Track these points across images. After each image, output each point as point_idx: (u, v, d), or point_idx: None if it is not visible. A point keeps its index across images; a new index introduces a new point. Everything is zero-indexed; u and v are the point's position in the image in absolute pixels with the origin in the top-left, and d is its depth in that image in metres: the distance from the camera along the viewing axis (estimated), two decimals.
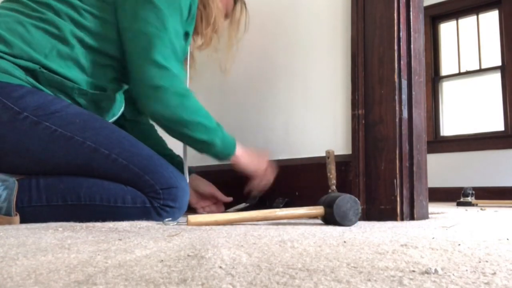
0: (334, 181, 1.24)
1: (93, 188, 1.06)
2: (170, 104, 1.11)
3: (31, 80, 1.04)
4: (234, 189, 1.61)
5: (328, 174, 1.25)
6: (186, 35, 1.23)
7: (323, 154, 1.38)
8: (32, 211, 1.03)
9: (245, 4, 1.44)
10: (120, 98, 1.29)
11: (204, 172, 1.67)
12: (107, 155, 1.06)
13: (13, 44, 1.03)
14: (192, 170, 1.43)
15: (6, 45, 1.03)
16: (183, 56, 1.20)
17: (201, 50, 1.42)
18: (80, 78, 1.11)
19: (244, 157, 1.28)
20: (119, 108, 1.29)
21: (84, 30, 1.10)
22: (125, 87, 1.28)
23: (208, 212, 1.38)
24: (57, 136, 1.03)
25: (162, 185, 1.07)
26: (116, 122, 1.29)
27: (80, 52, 1.10)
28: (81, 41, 1.10)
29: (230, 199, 1.43)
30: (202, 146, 1.19)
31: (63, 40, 1.08)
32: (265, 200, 1.45)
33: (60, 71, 1.07)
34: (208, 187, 1.42)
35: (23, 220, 1.01)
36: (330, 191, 1.24)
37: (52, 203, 1.04)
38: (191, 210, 1.35)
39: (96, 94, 1.14)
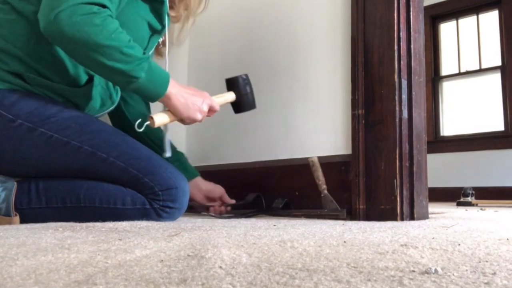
0: (324, 186, 1.28)
1: (92, 190, 1.05)
2: (73, 19, 0.91)
3: (21, 83, 1.02)
4: (235, 189, 1.61)
5: (317, 181, 1.28)
6: (161, 2, 1.15)
7: (323, 154, 1.38)
8: (31, 213, 1.02)
9: None
10: (110, 84, 1.19)
11: (206, 172, 1.67)
12: (105, 158, 1.05)
13: None
14: (196, 173, 1.41)
15: None
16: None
17: (172, 22, 1.32)
18: (65, 71, 1.06)
19: (178, 99, 1.07)
20: (114, 94, 1.21)
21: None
22: None
23: (215, 212, 1.38)
24: (54, 142, 1.02)
25: (162, 187, 1.07)
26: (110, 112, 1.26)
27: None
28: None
29: (233, 201, 1.42)
30: (121, 78, 0.98)
31: (35, 28, 0.98)
32: (261, 198, 1.46)
33: (45, 73, 1.04)
34: (218, 191, 1.40)
35: (22, 222, 1.01)
36: (322, 195, 1.27)
37: (52, 205, 1.04)
38: (190, 208, 1.34)
39: (86, 88, 1.11)
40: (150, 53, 1.24)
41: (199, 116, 1.12)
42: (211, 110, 1.17)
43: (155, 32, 1.19)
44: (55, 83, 1.05)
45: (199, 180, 1.39)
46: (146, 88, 1.01)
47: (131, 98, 1.34)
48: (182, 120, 1.12)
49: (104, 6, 0.96)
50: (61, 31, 0.91)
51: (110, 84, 1.18)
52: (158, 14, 1.17)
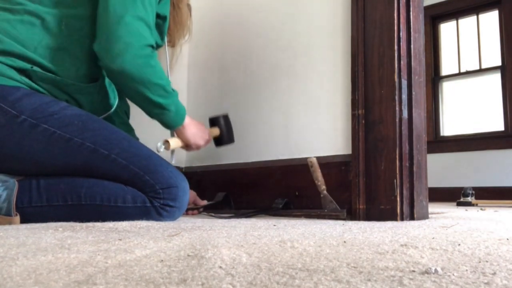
0: (323, 187, 1.29)
1: (93, 188, 1.05)
2: (136, 62, 1.08)
3: (26, 80, 1.03)
4: (235, 189, 1.61)
5: (316, 182, 1.28)
6: (163, 18, 1.23)
7: (323, 154, 1.39)
8: (32, 211, 1.03)
9: (190, 9, 1.45)
10: (111, 88, 1.27)
11: (206, 172, 1.67)
12: (107, 155, 1.06)
13: (1, 40, 1.02)
14: None
15: None
16: (154, 26, 1.17)
17: (168, 45, 1.43)
18: (72, 69, 1.09)
19: (190, 129, 1.27)
20: (114, 99, 1.27)
21: (70, 14, 1.08)
22: None
23: (187, 213, 1.47)
24: (56, 138, 1.03)
25: (162, 185, 1.07)
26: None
27: (67, 40, 1.08)
28: (69, 27, 1.08)
29: (205, 202, 1.51)
30: (157, 110, 1.16)
31: (49, 29, 1.06)
32: (230, 198, 1.58)
33: (51, 68, 1.05)
34: (191, 196, 1.47)
35: (23, 220, 1.01)
36: (322, 195, 1.28)
37: (53, 203, 1.04)
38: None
39: (91, 86, 1.13)
40: None
41: (202, 144, 1.33)
42: (207, 141, 1.37)
43: (157, 46, 1.25)
44: (59, 77, 1.07)
45: None
46: (171, 118, 1.19)
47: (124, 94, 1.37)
48: (188, 146, 1.30)
49: (153, 47, 1.13)
50: (124, 70, 1.07)
51: (110, 90, 1.24)
52: (160, 29, 1.25)
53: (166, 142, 1.24)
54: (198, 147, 1.32)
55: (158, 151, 1.20)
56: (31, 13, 1.05)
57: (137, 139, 1.43)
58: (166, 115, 1.18)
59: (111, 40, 1.06)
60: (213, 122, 1.47)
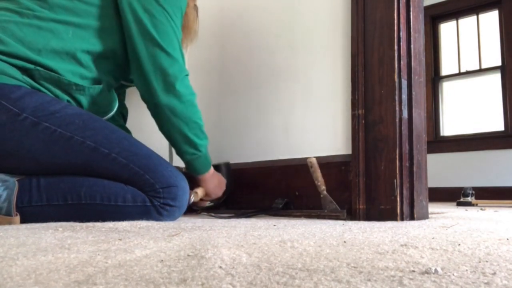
0: (323, 187, 1.29)
1: (93, 187, 1.06)
2: (182, 97, 1.15)
3: (28, 79, 1.04)
4: (235, 189, 1.61)
5: (316, 182, 1.28)
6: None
7: (323, 154, 1.39)
8: (32, 210, 1.03)
9: (197, 10, 1.45)
10: (112, 92, 1.28)
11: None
12: (107, 154, 1.06)
13: (7, 42, 1.03)
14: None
15: (1, 43, 1.02)
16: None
17: None
18: (75, 72, 1.10)
19: (213, 180, 1.33)
20: (114, 103, 1.27)
21: (79, 22, 1.10)
22: (118, 82, 1.27)
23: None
24: (57, 136, 1.03)
25: (162, 184, 1.07)
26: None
27: (74, 46, 1.09)
28: (76, 34, 1.09)
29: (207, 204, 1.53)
30: (189, 149, 1.21)
31: (55, 34, 1.07)
32: (227, 200, 1.58)
33: (54, 67, 1.06)
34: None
35: (23, 220, 1.01)
36: (322, 196, 1.28)
37: (53, 203, 1.04)
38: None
39: (93, 88, 1.14)
40: None
41: (220, 194, 1.39)
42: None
43: None
44: (62, 77, 1.07)
45: None
46: (200, 162, 1.24)
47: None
48: (207, 195, 1.34)
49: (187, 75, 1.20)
50: (174, 108, 1.16)
51: (111, 93, 1.24)
52: None
53: (195, 193, 1.29)
54: (216, 198, 1.37)
55: (190, 202, 1.24)
56: (40, 18, 1.07)
57: None
58: (197, 157, 1.22)
59: (155, 72, 1.13)
60: (215, 169, 1.44)
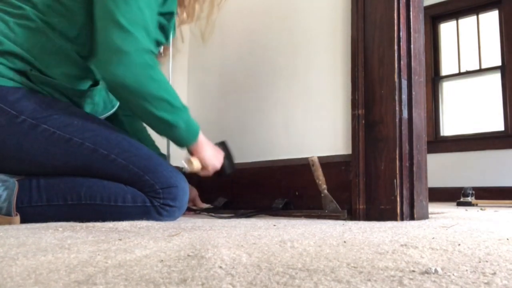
0: (324, 186, 1.29)
1: (93, 188, 1.06)
2: (133, 72, 1.01)
3: (25, 81, 1.03)
4: (235, 189, 1.61)
5: (317, 181, 1.28)
6: (171, 15, 1.19)
7: (323, 154, 1.39)
8: (32, 211, 1.03)
9: None
10: None
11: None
12: (106, 155, 1.06)
13: (1, 41, 1.01)
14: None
15: None
16: (156, 33, 1.12)
17: (187, 23, 1.37)
18: (71, 75, 1.08)
19: (206, 148, 1.20)
20: (115, 101, 1.25)
21: (65, 22, 1.06)
22: None
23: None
24: (56, 138, 1.03)
25: (162, 185, 1.07)
26: (109, 119, 1.28)
27: (64, 46, 1.06)
28: (62, 34, 1.06)
29: (204, 205, 1.50)
30: (164, 127, 1.10)
31: (44, 34, 1.04)
32: (229, 203, 1.55)
33: (50, 73, 1.05)
34: (192, 193, 1.44)
35: (23, 220, 1.01)
36: (322, 195, 1.28)
37: (53, 203, 1.04)
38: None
39: (90, 91, 1.13)
40: None
41: (219, 166, 1.26)
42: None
43: (158, 44, 1.22)
44: (59, 81, 1.06)
45: None
46: (182, 136, 1.13)
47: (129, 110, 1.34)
48: (204, 169, 1.23)
49: (153, 53, 1.07)
50: (122, 83, 1.01)
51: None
52: (163, 29, 1.20)
53: (190, 162, 1.19)
54: (214, 169, 1.26)
55: (183, 171, 1.16)
56: (27, 17, 1.04)
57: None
58: (174, 132, 1.11)
59: (105, 47, 1.01)
60: None
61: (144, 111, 1.06)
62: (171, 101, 1.07)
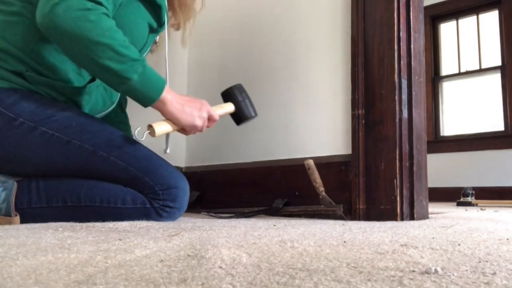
0: (322, 188, 1.28)
1: (93, 189, 1.05)
2: (70, 16, 0.91)
3: (23, 82, 1.02)
4: (235, 189, 1.61)
5: (314, 184, 1.28)
6: (158, 7, 1.15)
7: (323, 154, 1.39)
8: (32, 212, 1.02)
9: None
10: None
11: (206, 172, 1.66)
12: (106, 157, 1.05)
13: None
14: None
15: None
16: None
17: (174, 29, 1.35)
18: (67, 71, 1.06)
19: (173, 104, 1.04)
20: (115, 96, 1.22)
21: None
22: None
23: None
24: (55, 141, 1.02)
25: (162, 186, 1.07)
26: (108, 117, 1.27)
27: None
28: None
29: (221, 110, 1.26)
30: (112, 79, 0.97)
31: (36, 28, 0.99)
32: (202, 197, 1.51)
33: (43, 70, 1.03)
34: (204, 106, 1.22)
35: (23, 222, 1.01)
36: (320, 197, 1.28)
37: (52, 205, 1.04)
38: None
39: (88, 87, 1.11)
40: (147, 52, 1.25)
41: (198, 122, 1.09)
42: (210, 119, 1.14)
43: (153, 31, 1.20)
44: (56, 81, 1.06)
45: None
46: (138, 91, 1.00)
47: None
48: (183, 129, 1.10)
49: (99, 4, 0.96)
50: (56, 25, 0.92)
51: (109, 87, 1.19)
52: (157, 14, 1.17)
53: (150, 127, 1.04)
54: (195, 128, 1.09)
55: (138, 139, 1.04)
56: (18, 13, 1.02)
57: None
58: (126, 85, 0.97)
59: None
60: (226, 96, 1.24)
61: (86, 58, 0.95)
62: (117, 49, 0.95)
